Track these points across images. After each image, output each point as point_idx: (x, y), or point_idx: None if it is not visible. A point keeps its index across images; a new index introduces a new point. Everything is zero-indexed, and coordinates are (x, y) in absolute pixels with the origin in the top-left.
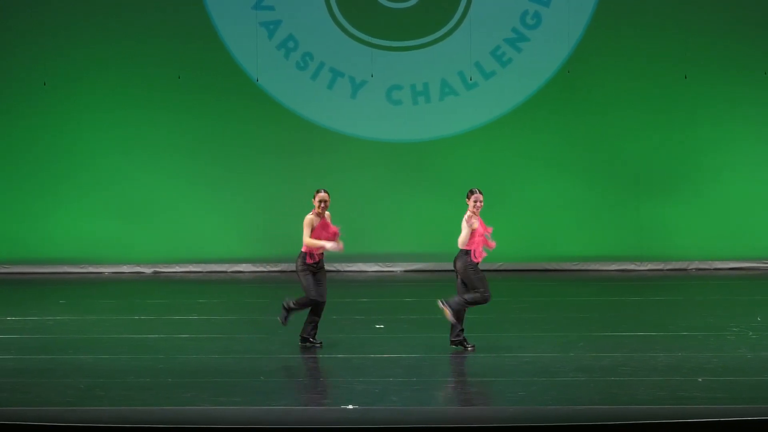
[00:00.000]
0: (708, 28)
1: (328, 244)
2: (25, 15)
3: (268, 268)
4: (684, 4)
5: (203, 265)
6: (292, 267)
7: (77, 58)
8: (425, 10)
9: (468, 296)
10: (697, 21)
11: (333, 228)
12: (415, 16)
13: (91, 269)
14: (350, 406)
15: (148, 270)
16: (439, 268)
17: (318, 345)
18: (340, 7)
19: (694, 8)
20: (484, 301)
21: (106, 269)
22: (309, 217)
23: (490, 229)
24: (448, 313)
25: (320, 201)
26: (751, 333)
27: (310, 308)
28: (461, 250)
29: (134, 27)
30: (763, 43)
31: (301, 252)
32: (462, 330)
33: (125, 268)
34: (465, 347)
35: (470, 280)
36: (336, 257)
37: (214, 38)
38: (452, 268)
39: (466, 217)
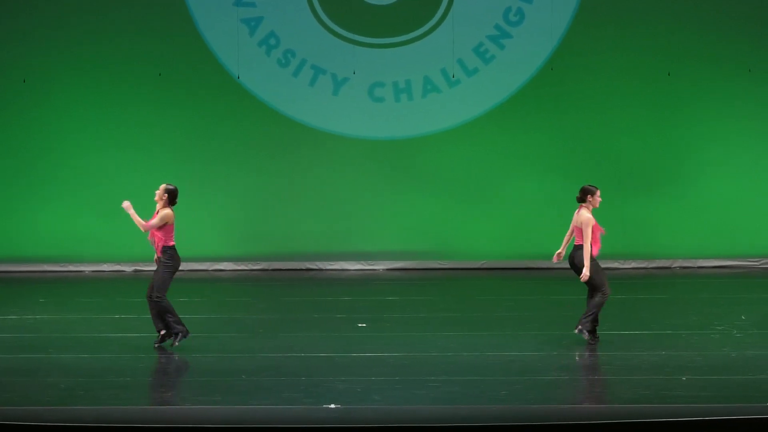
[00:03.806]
0: (692, 25)
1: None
2: (5, 12)
3: (250, 266)
4: (667, 0)
5: (184, 263)
6: (274, 265)
7: (57, 56)
8: (407, 7)
9: (596, 303)
10: (681, 17)
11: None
12: (398, 12)
13: (71, 268)
14: (332, 406)
15: (128, 268)
16: (423, 267)
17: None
18: (322, 3)
19: (678, 4)
20: (606, 299)
21: (87, 268)
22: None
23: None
24: (587, 336)
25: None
26: (735, 331)
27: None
28: (576, 246)
29: (115, 24)
30: (748, 40)
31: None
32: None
33: (106, 267)
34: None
35: (594, 278)
36: (318, 255)
37: (195, 35)
38: (442, 266)
39: (589, 214)
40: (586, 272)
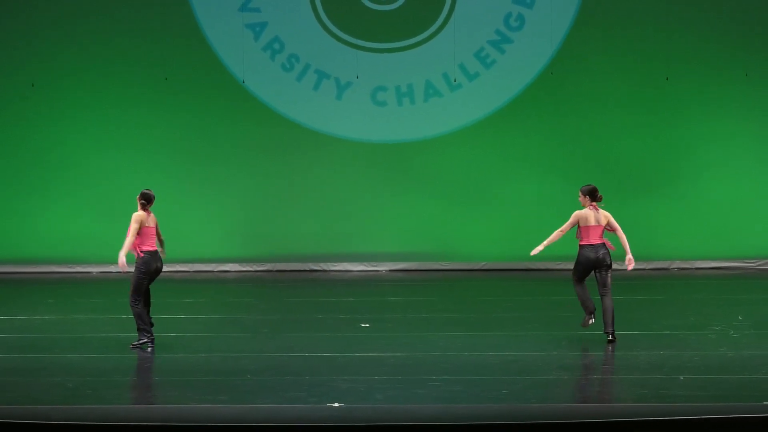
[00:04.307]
0: (690, 30)
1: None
2: (12, 15)
3: (254, 267)
4: (666, 5)
5: (189, 264)
6: (278, 267)
7: (65, 59)
8: (410, 12)
9: (612, 304)
10: (679, 22)
11: None
12: (400, 18)
13: (79, 269)
14: (336, 404)
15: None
16: (424, 268)
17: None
18: (326, 9)
19: (677, 9)
20: None
21: (94, 269)
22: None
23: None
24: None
25: None
26: (732, 332)
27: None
28: (598, 245)
29: (121, 28)
30: (744, 44)
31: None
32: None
33: (113, 268)
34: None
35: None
36: (321, 256)
37: (201, 39)
38: (443, 268)
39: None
40: (631, 257)
